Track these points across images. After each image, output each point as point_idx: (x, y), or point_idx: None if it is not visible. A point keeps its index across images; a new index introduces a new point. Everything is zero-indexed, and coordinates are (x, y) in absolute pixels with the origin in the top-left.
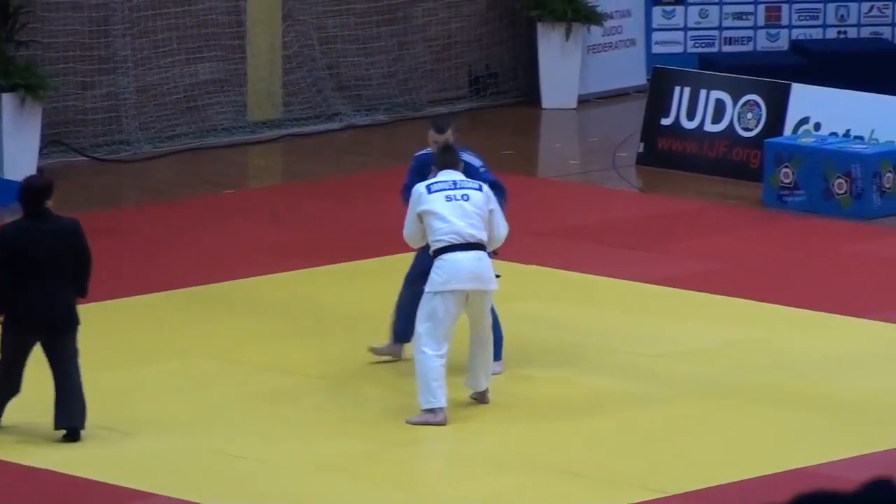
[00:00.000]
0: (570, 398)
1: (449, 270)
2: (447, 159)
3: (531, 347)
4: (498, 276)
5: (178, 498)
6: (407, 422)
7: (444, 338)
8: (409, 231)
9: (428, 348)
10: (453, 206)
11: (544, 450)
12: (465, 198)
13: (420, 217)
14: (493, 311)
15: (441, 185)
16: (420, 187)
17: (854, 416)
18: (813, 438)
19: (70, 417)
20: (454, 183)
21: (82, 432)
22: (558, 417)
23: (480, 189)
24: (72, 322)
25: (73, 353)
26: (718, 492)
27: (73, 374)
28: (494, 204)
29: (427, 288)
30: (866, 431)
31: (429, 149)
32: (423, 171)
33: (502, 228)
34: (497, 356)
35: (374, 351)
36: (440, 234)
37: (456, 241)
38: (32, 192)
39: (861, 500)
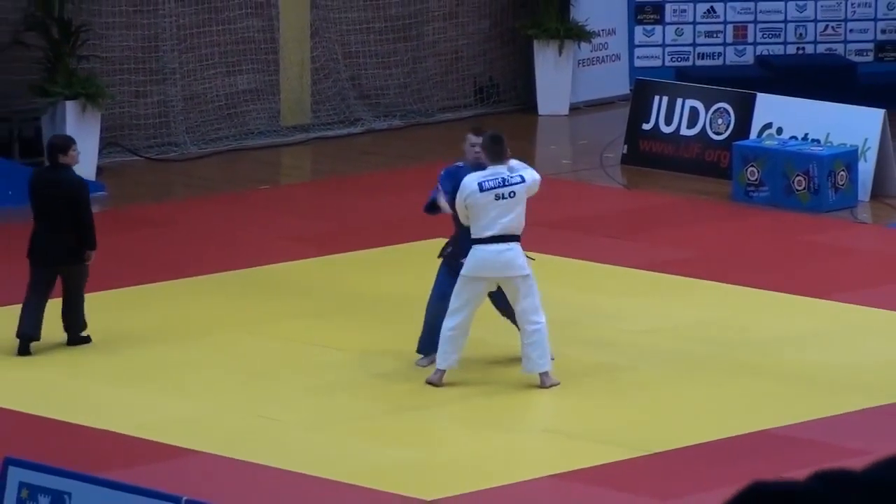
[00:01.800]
0: (562, 368)
1: (478, 261)
2: (498, 150)
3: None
4: (532, 259)
5: (216, 454)
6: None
7: (465, 316)
8: (456, 211)
9: (450, 321)
10: (501, 205)
11: (540, 413)
12: (512, 195)
13: (466, 205)
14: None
15: (492, 183)
16: (472, 182)
17: (812, 385)
18: (776, 404)
19: (69, 327)
20: (503, 181)
21: (84, 335)
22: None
23: (523, 180)
24: (67, 260)
25: (75, 283)
26: (694, 450)
27: (70, 298)
28: (530, 178)
29: (462, 271)
30: (823, 399)
31: (457, 163)
32: (453, 179)
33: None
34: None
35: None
36: (482, 230)
37: (493, 235)
38: (47, 147)
39: (878, 479)
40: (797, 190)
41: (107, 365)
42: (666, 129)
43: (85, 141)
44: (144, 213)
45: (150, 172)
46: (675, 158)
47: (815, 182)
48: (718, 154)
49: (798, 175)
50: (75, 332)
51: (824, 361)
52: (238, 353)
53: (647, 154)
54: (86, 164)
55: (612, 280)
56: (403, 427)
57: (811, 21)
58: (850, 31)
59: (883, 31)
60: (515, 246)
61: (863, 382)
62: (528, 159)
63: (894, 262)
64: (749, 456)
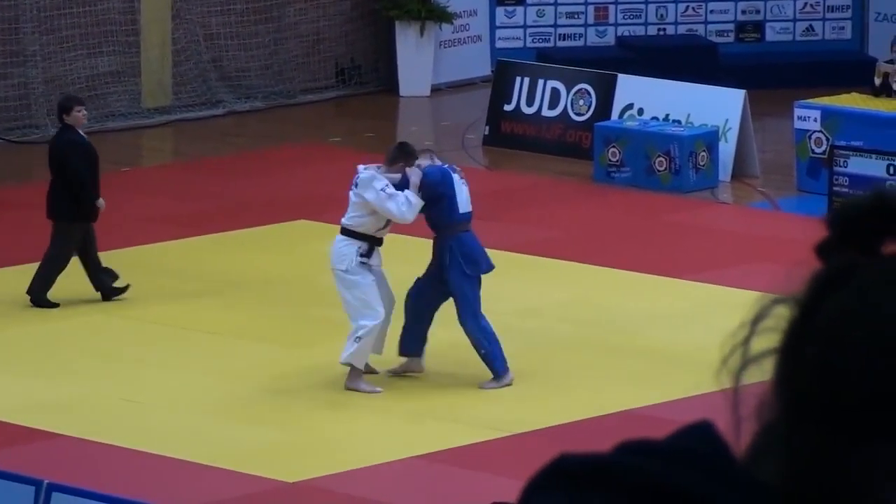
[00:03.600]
0: (427, 348)
1: None
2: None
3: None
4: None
5: (78, 437)
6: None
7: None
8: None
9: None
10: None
11: (403, 395)
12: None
13: None
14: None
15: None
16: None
17: (674, 365)
18: (639, 384)
19: (31, 285)
20: (355, 183)
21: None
22: None
23: (356, 185)
24: (52, 215)
25: (54, 237)
26: (556, 430)
27: (47, 252)
28: (371, 193)
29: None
30: (685, 379)
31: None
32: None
33: (392, 209)
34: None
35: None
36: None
37: None
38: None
39: (676, 446)
40: (658, 170)
41: None
42: (527, 111)
43: None
44: (6, 196)
45: (11, 155)
46: (537, 139)
47: (676, 163)
48: (580, 135)
49: (659, 156)
50: (32, 290)
51: (686, 341)
52: (102, 336)
53: (508, 135)
54: None
55: None
56: (266, 410)
57: (672, 2)
58: (711, 11)
59: (743, 12)
60: (339, 239)
61: None
62: (390, 141)
63: (755, 241)
64: (612, 436)
